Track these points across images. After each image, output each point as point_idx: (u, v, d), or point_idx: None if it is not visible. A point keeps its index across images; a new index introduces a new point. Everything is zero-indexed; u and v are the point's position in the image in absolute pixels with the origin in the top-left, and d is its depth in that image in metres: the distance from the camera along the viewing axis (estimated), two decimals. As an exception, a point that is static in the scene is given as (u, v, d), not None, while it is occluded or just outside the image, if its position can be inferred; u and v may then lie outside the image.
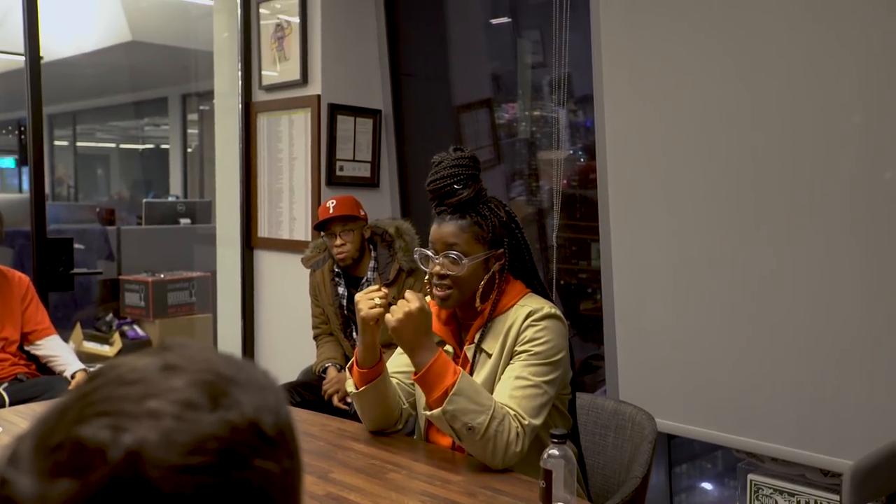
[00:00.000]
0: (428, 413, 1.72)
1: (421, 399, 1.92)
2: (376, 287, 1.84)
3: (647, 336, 2.76)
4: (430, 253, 1.85)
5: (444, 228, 1.83)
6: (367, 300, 1.80)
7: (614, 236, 2.81)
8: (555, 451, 1.43)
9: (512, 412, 1.69)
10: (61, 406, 0.56)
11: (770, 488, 2.56)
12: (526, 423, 1.68)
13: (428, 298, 1.88)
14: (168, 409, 0.53)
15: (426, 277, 1.86)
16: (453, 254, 1.80)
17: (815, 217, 2.35)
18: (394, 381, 1.93)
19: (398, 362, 1.99)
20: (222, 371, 0.58)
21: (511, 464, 1.68)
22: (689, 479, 3.27)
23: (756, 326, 2.49)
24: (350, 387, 1.89)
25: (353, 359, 1.88)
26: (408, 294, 1.76)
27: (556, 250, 3.31)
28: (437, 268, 1.82)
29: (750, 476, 2.62)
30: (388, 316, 1.75)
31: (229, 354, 0.62)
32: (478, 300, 1.84)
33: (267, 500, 0.55)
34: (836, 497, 2.39)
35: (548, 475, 1.43)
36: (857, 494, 1.73)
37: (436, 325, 1.89)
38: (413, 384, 1.95)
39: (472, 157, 1.86)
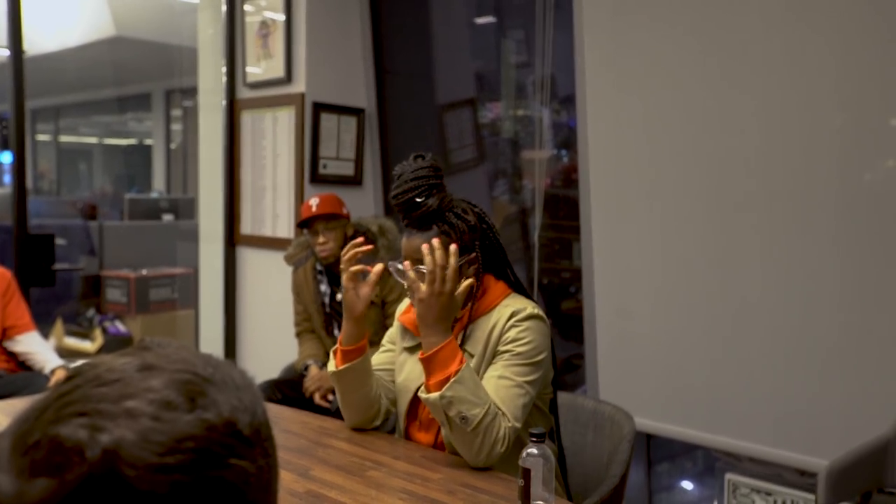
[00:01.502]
0: (424, 396, 1.72)
1: (402, 397, 1.92)
2: (360, 240, 1.87)
3: (628, 336, 2.78)
4: (401, 267, 1.82)
5: (413, 242, 1.80)
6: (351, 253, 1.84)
7: (595, 236, 2.83)
8: (533, 450, 1.44)
9: (500, 412, 1.70)
10: (39, 405, 0.56)
11: (747, 487, 2.59)
12: (510, 425, 1.70)
13: (408, 302, 1.89)
14: (145, 408, 0.54)
15: (405, 286, 1.85)
16: (423, 268, 1.77)
17: (796, 218, 2.37)
18: (376, 374, 1.94)
19: (381, 359, 2.00)
20: (200, 371, 0.59)
21: (492, 463, 1.69)
22: (669, 478, 3.30)
23: (735, 327, 2.51)
24: (331, 367, 1.89)
25: (338, 341, 1.89)
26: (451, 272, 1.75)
27: (538, 249, 3.32)
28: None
29: (727, 475, 2.64)
30: (422, 286, 1.73)
31: (207, 354, 0.63)
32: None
33: (242, 498, 0.56)
34: (812, 496, 2.41)
35: (526, 473, 1.44)
36: (833, 493, 1.76)
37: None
38: (394, 381, 1.96)
39: (433, 166, 1.81)
